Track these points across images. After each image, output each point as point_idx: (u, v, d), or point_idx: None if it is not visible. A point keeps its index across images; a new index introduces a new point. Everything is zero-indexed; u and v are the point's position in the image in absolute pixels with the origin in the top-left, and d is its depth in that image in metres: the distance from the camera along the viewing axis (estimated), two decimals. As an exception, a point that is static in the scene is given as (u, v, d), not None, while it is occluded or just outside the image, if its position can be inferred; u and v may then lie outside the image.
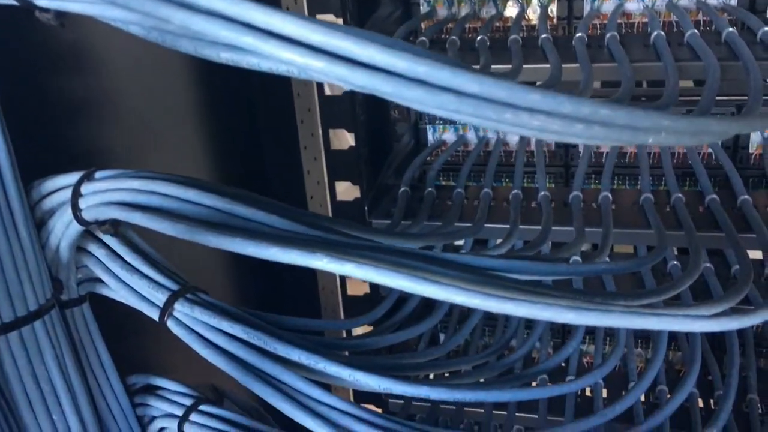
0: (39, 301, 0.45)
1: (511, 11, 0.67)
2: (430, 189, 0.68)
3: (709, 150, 0.69)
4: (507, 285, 0.35)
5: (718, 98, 0.51)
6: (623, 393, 0.56)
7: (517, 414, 0.69)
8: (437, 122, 0.76)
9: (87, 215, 0.43)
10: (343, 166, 0.82)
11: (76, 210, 0.43)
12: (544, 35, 0.60)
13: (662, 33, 0.58)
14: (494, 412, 0.69)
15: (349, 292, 0.92)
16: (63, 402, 0.47)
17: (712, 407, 0.67)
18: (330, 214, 0.79)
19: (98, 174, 0.43)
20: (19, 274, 0.43)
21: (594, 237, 0.58)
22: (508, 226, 0.59)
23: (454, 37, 0.63)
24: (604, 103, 0.28)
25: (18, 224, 0.43)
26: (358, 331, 0.62)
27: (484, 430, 0.73)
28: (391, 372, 0.44)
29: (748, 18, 0.59)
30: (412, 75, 0.27)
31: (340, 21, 0.65)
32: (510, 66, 0.56)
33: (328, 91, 0.81)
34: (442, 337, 0.80)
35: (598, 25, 0.65)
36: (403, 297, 0.63)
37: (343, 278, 0.93)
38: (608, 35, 0.59)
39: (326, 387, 0.43)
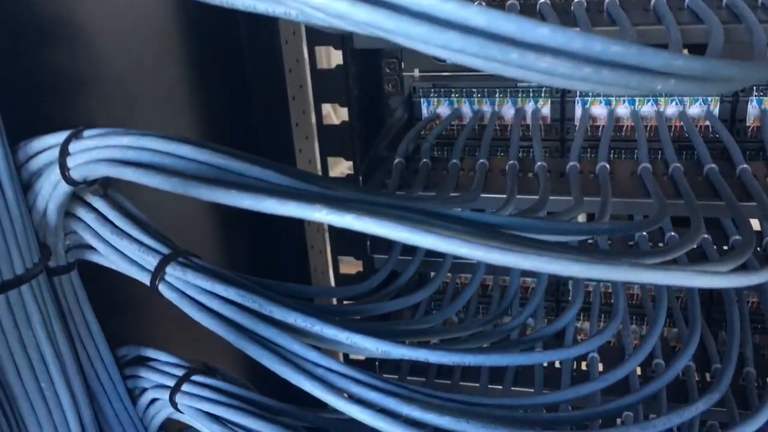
0: (26, 265, 0.43)
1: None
2: (425, 160, 0.67)
3: (707, 123, 0.69)
4: (510, 239, 0.34)
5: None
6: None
7: (512, 388, 0.68)
8: (431, 95, 0.75)
9: (75, 174, 0.42)
10: (337, 142, 0.81)
11: (64, 169, 0.42)
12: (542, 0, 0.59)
13: (663, -4, 0.57)
14: (490, 386, 0.69)
15: (342, 270, 0.91)
16: (52, 370, 0.46)
17: (709, 381, 0.66)
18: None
19: (86, 132, 0.42)
20: (5, 236, 0.42)
21: (592, 207, 0.58)
22: (504, 195, 0.58)
23: None
24: (615, 40, 0.27)
25: (4, 185, 0.41)
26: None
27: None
28: (389, 337, 0.43)
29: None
30: (417, 8, 0.26)
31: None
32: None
33: (323, 65, 0.81)
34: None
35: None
36: (397, 272, 0.62)
37: (335, 257, 0.92)
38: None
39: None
